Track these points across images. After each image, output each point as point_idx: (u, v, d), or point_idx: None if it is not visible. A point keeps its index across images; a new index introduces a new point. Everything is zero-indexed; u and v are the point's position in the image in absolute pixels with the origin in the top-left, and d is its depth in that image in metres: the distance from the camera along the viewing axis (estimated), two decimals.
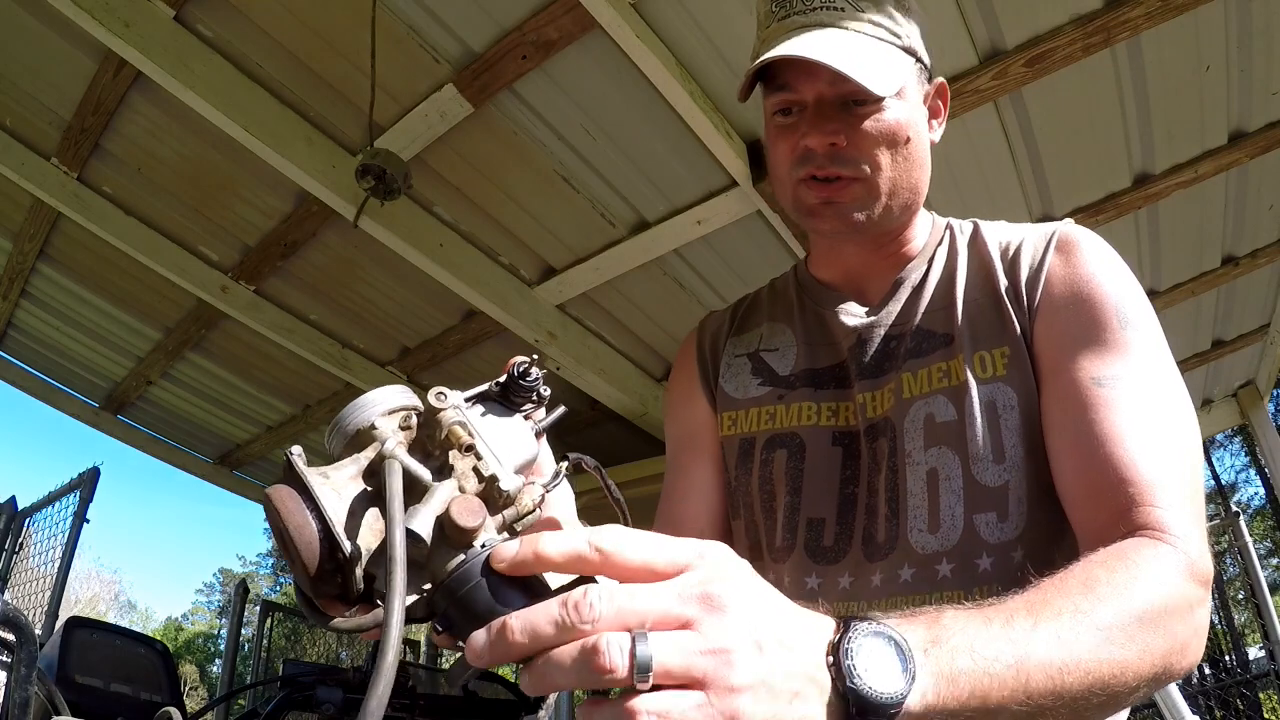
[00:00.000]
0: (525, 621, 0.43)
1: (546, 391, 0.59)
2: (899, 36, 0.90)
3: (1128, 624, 0.60)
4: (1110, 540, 0.70)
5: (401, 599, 0.43)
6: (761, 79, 0.94)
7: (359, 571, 0.49)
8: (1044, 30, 2.28)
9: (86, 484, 4.93)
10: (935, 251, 0.98)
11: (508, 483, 0.52)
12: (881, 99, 0.87)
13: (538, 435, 0.59)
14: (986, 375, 0.86)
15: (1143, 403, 0.78)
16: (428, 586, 0.49)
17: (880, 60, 0.86)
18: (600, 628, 0.42)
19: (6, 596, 2.86)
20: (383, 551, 0.49)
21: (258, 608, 7.14)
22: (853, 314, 0.98)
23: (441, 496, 0.50)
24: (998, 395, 0.85)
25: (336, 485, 0.50)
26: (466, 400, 0.57)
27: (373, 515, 0.50)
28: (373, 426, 0.53)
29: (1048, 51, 2.29)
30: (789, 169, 0.92)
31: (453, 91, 2.49)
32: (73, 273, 3.77)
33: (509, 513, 0.52)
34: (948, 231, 1.00)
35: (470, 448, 0.52)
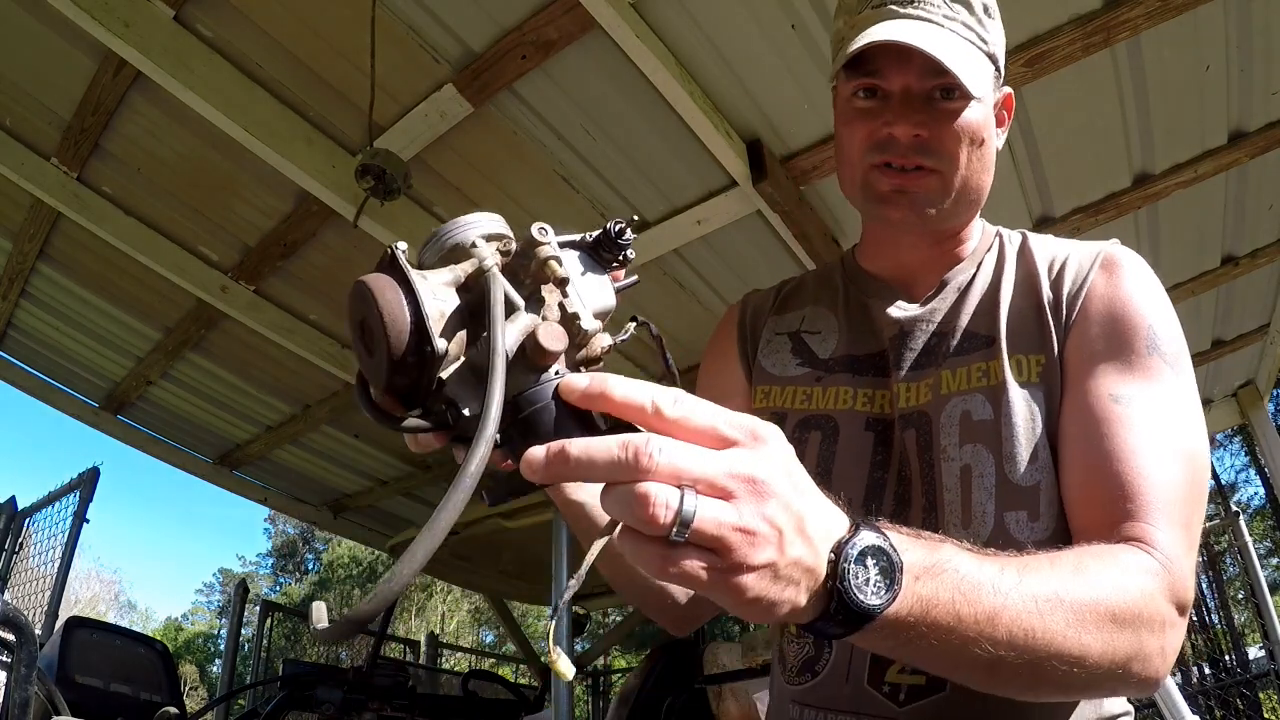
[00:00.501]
0: (584, 449, 0.46)
1: (632, 255, 0.61)
2: (986, 42, 0.92)
3: (1101, 615, 0.63)
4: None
5: (500, 388, 0.46)
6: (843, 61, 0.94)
7: (442, 374, 0.52)
8: (1043, 30, 2.28)
9: (86, 484, 4.92)
10: (984, 256, 1.00)
11: (588, 323, 0.55)
12: (971, 98, 0.89)
13: (615, 294, 0.61)
14: (1022, 379, 0.88)
15: (1156, 426, 0.80)
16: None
17: (971, 61, 0.88)
18: (651, 477, 0.45)
19: (6, 596, 2.86)
20: (464, 365, 0.52)
21: (258, 608, 7.14)
22: (898, 306, 0.99)
23: (528, 320, 0.53)
24: (1032, 399, 0.87)
25: (434, 289, 0.52)
26: (559, 244, 0.58)
27: (460, 324, 0.53)
28: (473, 244, 0.55)
29: (1047, 51, 2.29)
30: (863, 153, 0.92)
31: (452, 91, 2.49)
32: (72, 273, 3.77)
33: (582, 353, 0.56)
34: (998, 238, 1.02)
35: (562, 282, 0.55)
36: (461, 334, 0.52)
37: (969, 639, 0.57)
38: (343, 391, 4.34)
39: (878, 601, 0.52)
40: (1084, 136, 2.70)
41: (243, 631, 6.22)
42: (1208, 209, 3.16)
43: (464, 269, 0.54)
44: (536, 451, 0.47)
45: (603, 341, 0.57)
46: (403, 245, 0.53)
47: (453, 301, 0.53)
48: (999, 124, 0.99)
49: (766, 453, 0.49)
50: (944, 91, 0.89)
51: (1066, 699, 0.72)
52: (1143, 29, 2.24)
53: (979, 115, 0.91)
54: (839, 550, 0.51)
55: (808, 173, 2.73)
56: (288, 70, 2.54)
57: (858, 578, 0.51)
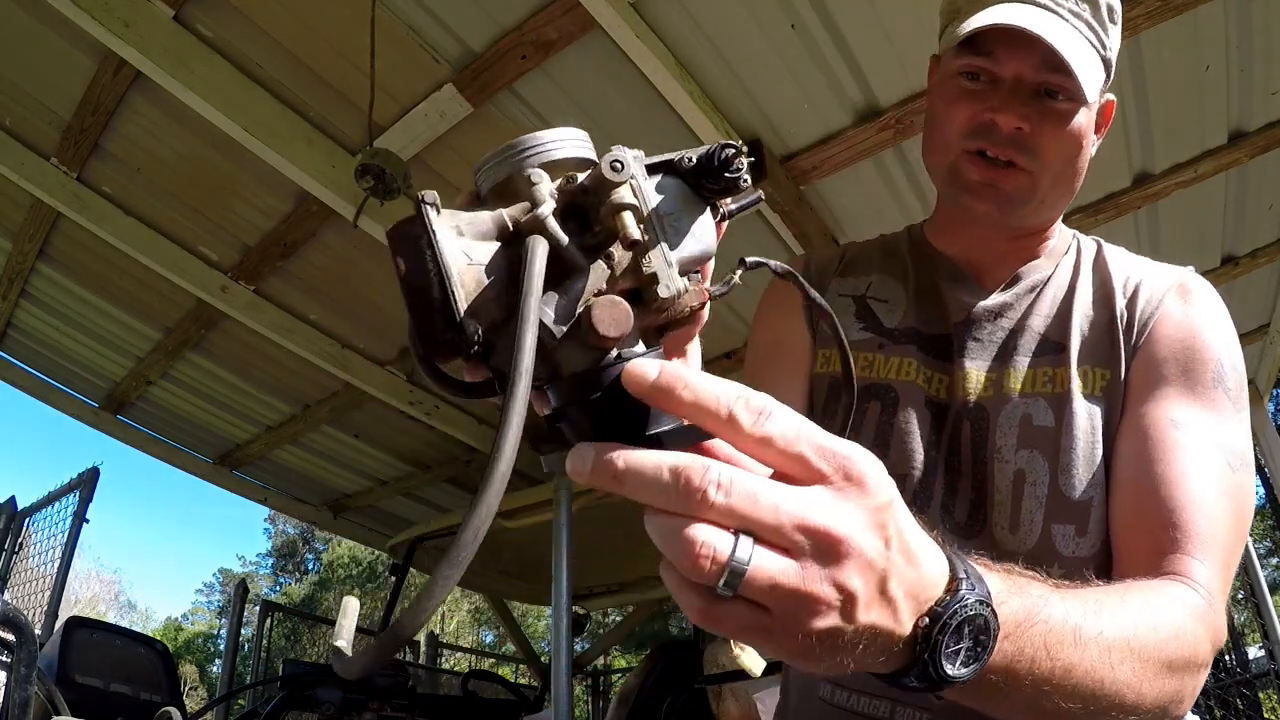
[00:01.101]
0: (631, 467, 0.40)
1: (746, 183, 0.48)
2: (1105, 47, 0.89)
3: (1160, 664, 0.62)
4: (1145, 572, 0.73)
5: (524, 399, 0.38)
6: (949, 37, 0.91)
7: (477, 344, 0.43)
8: None
9: (86, 484, 4.93)
10: (1061, 259, 0.98)
11: (668, 288, 0.45)
12: (1082, 102, 0.86)
13: (720, 221, 0.50)
14: (1087, 391, 0.87)
15: (1212, 459, 0.79)
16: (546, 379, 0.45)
17: (1090, 63, 0.85)
18: (703, 516, 0.38)
19: (6, 596, 2.86)
20: (507, 328, 0.43)
21: (257, 608, 7.14)
22: (970, 292, 0.96)
23: (589, 286, 0.43)
24: (1094, 412, 0.86)
25: (468, 245, 0.44)
26: (648, 167, 0.48)
27: (503, 286, 0.43)
28: (529, 178, 0.45)
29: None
30: (959, 136, 0.89)
31: (452, 91, 2.49)
32: (72, 273, 3.77)
33: (664, 315, 0.46)
34: (1075, 242, 1.00)
35: (635, 243, 0.44)
36: (508, 298, 0.43)
37: (1041, 693, 0.53)
38: (342, 391, 4.33)
39: (964, 672, 0.46)
40: None
41: (243, 631, 6.22)
42: (1208, 209, 3.16)
43: (514, 212, 0.45)
44: (583, 457, 0.41)
45: (692, 299, 0.46)
46: (430, 195, 0.44)
47: (494, 258, 0.44)
48: (1096, 129, 0.95)
49: (854, 500, 0.41)
50: (1053, 90, 0.85)
51: None
52: (1142, 29, 2.24)
53: (1083, 121, 0.88)
54: (934, 618, 0.45)
55: (807, 173, 2.73)
56: (288, 70, 2.54)
57: (949, 648, 0.45)
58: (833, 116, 2.58)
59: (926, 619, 0.45)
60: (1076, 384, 0.87)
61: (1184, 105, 2.61)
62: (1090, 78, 0.83)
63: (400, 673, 4.09)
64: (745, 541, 0.38)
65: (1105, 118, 0.95)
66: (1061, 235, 1.00)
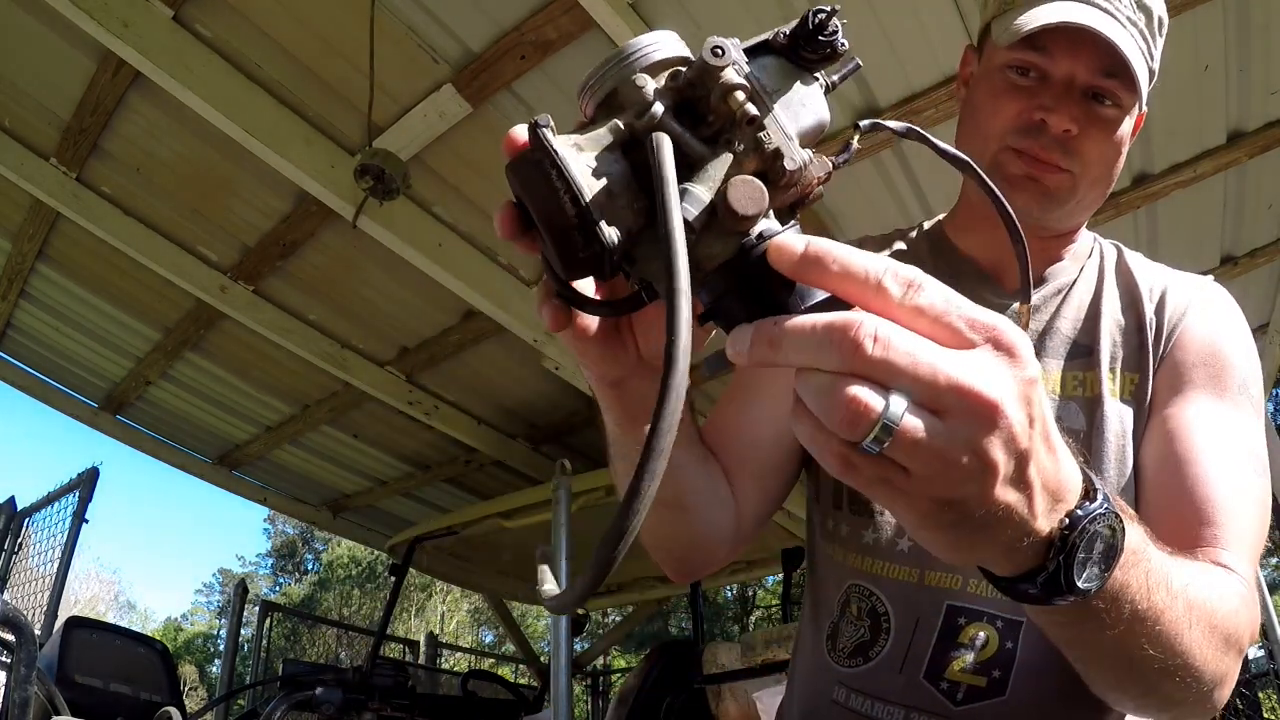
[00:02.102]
0: (788, 328, 0.39)
1: (845, 46, 0.48)
2: (1152, 57, 0.88)
3: (1221, 637, 0.62)
4: None
5: (687, 306, 0.37)
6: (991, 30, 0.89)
7: (616, 259, 0.44)
8: None
9: (85, 484, 4.92)
10: (1086, 262, 0.97)
11: (794, 158, 0.44)
12: (1129, 108, 0.85)
13: (827, 92, 0.49)
14: (1117, 394, 0.88)
15: (1239, 461, 0.80)
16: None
17: (1142, 72, 0.84)
18: (859, 369, 0.37)
19: (6, 597, 2.86)
20: (646, 234, 0.43)
21: (257, 608, 7.14)
22: (993, 292, 0.94)
23: (716, 174, 0.43)
24: (1125, 416, 0.86)
25: (590, 159, 0.43)
26: (746, 51, 0.47)
27: (633, 193, 0.43)
28: (635, 83, 0.44)
29: None
30: (1005, 131, 0.87)
31: (451, 91, 2.49)
32: (72, 273, 3.77)
33: (794, 191, 0.46)
34: (1096, 245, 1.00)
35: (753, 119, 0.43)
36: (640, 203, 0.43)
37: (1134, 632, 0.53)
38: (342, 391, 4.34)
39: (1090, 585, 0.46)
40: None
41: (242, 632, 6.22)
42: (1207, 209, 3.17)
43: (628, 118, 0.44)
44: (741, 334, 0.40)
45: (818, 170, 0.46)
46: (544, 117, 0.43)
47: (619, 167, 0.43)
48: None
49: (1006, 368, 0.39)
50: (1102, 95, 0.85)
51: (1153, 714, 0.70)
52: None
53: (1125, 129, 0.87)
54: (1074, 521, 0.43)
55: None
56: (287, 70, 2.54)
57: (1082, 554, 0.44)
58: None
59: (1066, 520, 0.43)
60: (1107, 387, 0.87)
61: (1183, 105, 2.61)
62: (1142, 85, 0.84)
63: (400, 673, 4.10)
64: (897, 399, 0.37)
65: (1136, 128, 0.94)
66: (1083, 239, 1.00)
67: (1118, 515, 0.46)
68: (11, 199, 3.31)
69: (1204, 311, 0.90)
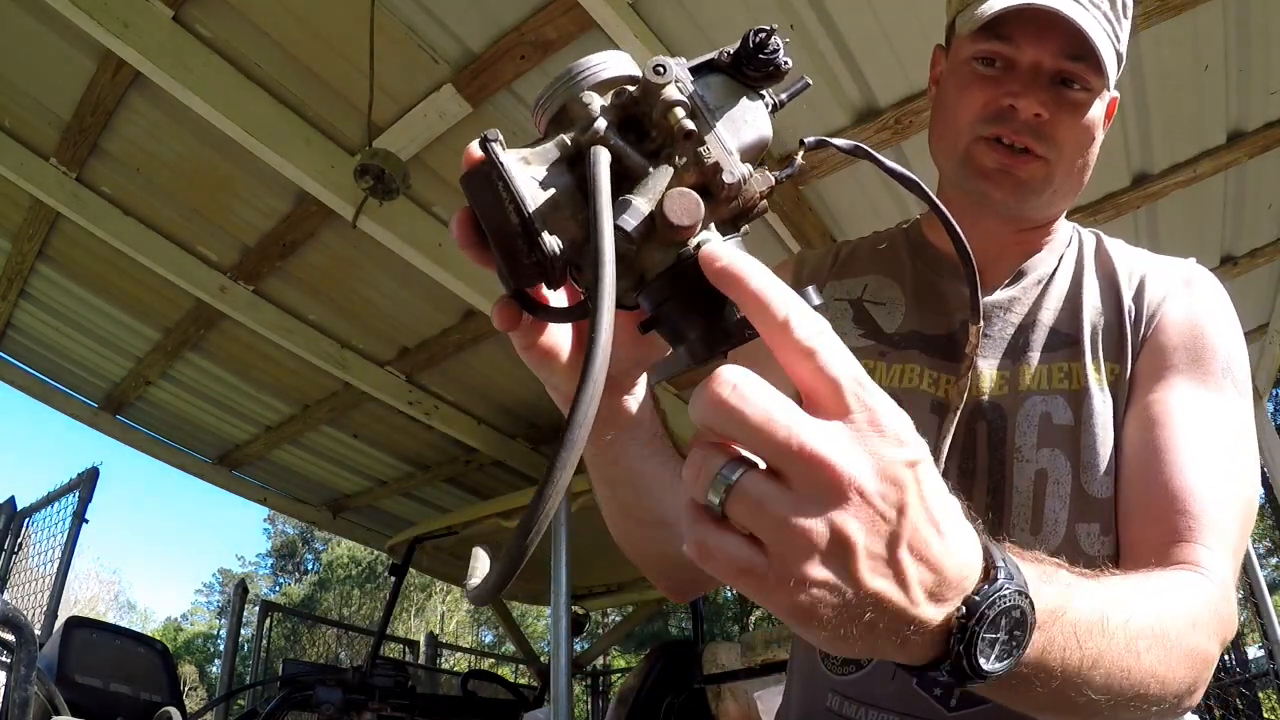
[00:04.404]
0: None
1: (788, 65, 0.49)
2: (1118, 39, 0.87)
3: (1182, 655, 0.61)
4: (1155, 561, 0.71)
5: (610, 305, 0.39)
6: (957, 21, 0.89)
7: (560, 266, 0.46)
8: None
9: (85, 484, 4.93)
10: (1064, 251, 0.96)
11: (734, 172, 0.46)
12: (1098, 90, 0.85)
13: (773, 111, 0.51)
14: (1101, 385, 0.86)
15: (1221, 445, 0.79)
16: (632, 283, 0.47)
17: (1109, 52, 0.84)
18: (715, 424, 0.38)
19: (6, 597, 2.86)
20: (589, 244, 0.44)
21: (257, 608, 7.15)
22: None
23: (657, 187, 0.45)
24: (1109, 407, 0.85)
25: (537, 172, 0.46)
26: (691, 70, 0.49)
27: (577, 205, 0.46)
28: (581, 100, 0.47)
29: None
30: (973, 121, 0.87)
31: (451, 91, 2.49)
32: (71, 273, 3.77)
33: (734, 204, 0.47)
34: (1075, 234, 0.99)
35: (690, 134, 0.45)
36: (584, 214, 0.45)
37: (1070, 684, 0.51)
38: (342, 391, 4.33)
39: (999, 667, 0.44)
40: None
41: (242, 632, 6.22)
42: (1207, 209, 3.17)
43: (573, 133, 0.46)
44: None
45: (760, 184, 0.47)
46: (494, 133, 0.46)
47: (564, 180, 0.46)
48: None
49: (872, 444, 0.38)
50: (1070, 79, 0.84)
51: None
52: (1141, 29, 2.24)
53: (1097, 112, 0.87)
54: (971, 608, 0.42)
55: (806, 173, 2.73)
56: (287, 70, 2.54)
57: (984, 640, 0.42)
58: (831, 117, 2.58)
59: (963, 608, 0.42)
60: (1092, 378, 0.86)
61: (1183, 105, 2.61)
62: (1110, 68, 0.83)
63: (400, 673, 4.10)
64: (746, 460, 0.38)
65: (1109, 113, 0.94)
66: (1062, 229, 0.99)
67: (1021, 592, 0.44)
68: (11, 199, 3.31)
69: (1185, 294, 0.89)
